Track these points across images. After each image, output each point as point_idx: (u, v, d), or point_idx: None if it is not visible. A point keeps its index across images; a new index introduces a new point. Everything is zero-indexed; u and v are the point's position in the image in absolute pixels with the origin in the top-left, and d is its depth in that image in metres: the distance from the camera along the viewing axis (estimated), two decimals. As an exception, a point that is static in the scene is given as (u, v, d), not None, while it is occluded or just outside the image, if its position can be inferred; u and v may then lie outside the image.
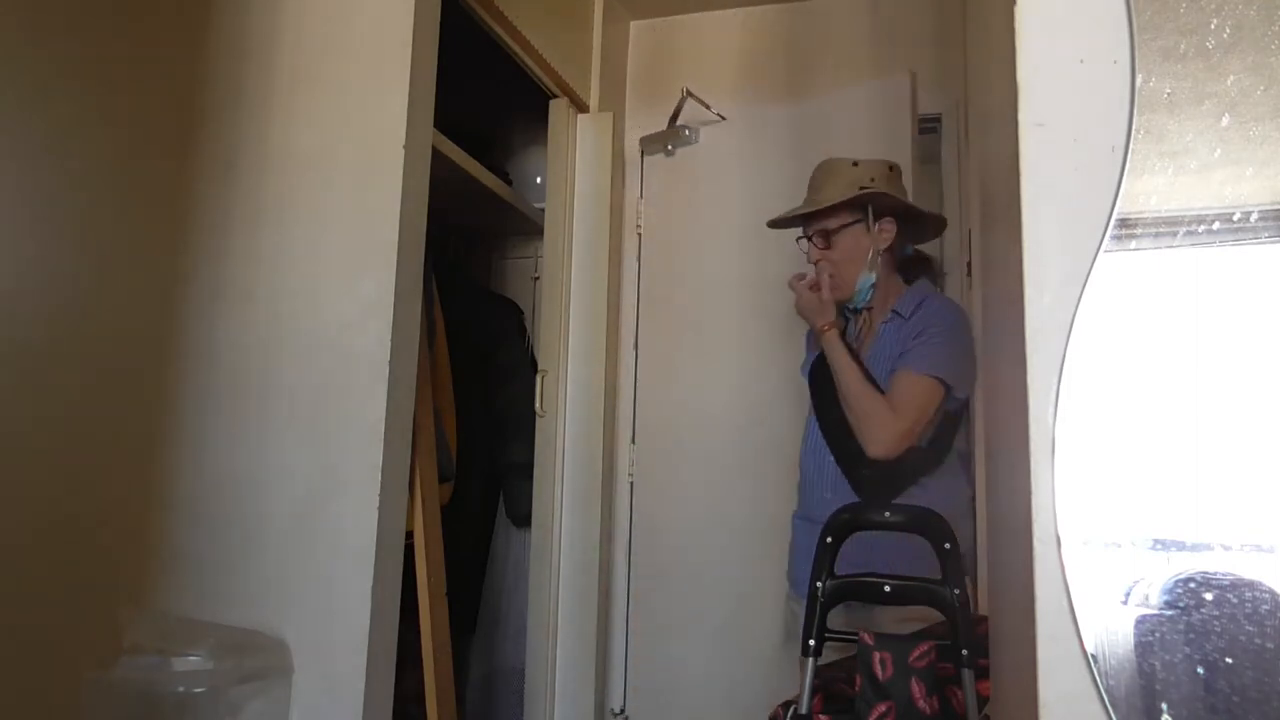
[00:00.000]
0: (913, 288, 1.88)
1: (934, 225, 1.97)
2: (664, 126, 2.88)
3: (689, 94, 2.74)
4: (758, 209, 2.80)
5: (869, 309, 1.90)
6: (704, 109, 2.80)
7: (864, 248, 1.83)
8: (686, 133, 2.85)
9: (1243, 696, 0.79)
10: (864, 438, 1.74)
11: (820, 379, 1.87)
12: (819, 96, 2.81)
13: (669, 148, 2.89)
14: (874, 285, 1.84)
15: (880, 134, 2.82)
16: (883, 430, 1.72)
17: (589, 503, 2.50)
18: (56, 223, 1.90)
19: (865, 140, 2.82)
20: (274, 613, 1.62)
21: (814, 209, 1.84)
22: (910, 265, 1.94)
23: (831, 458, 1.85)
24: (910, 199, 1.92)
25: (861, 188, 1.81)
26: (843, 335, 1.86)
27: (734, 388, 2.66)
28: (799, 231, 2.01)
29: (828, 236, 1.84)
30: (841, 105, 2.71)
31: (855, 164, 1.86)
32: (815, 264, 1.87)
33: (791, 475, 2.68)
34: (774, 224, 1.99)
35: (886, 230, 1.84)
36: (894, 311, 1.84)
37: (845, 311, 1.93)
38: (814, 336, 1.94)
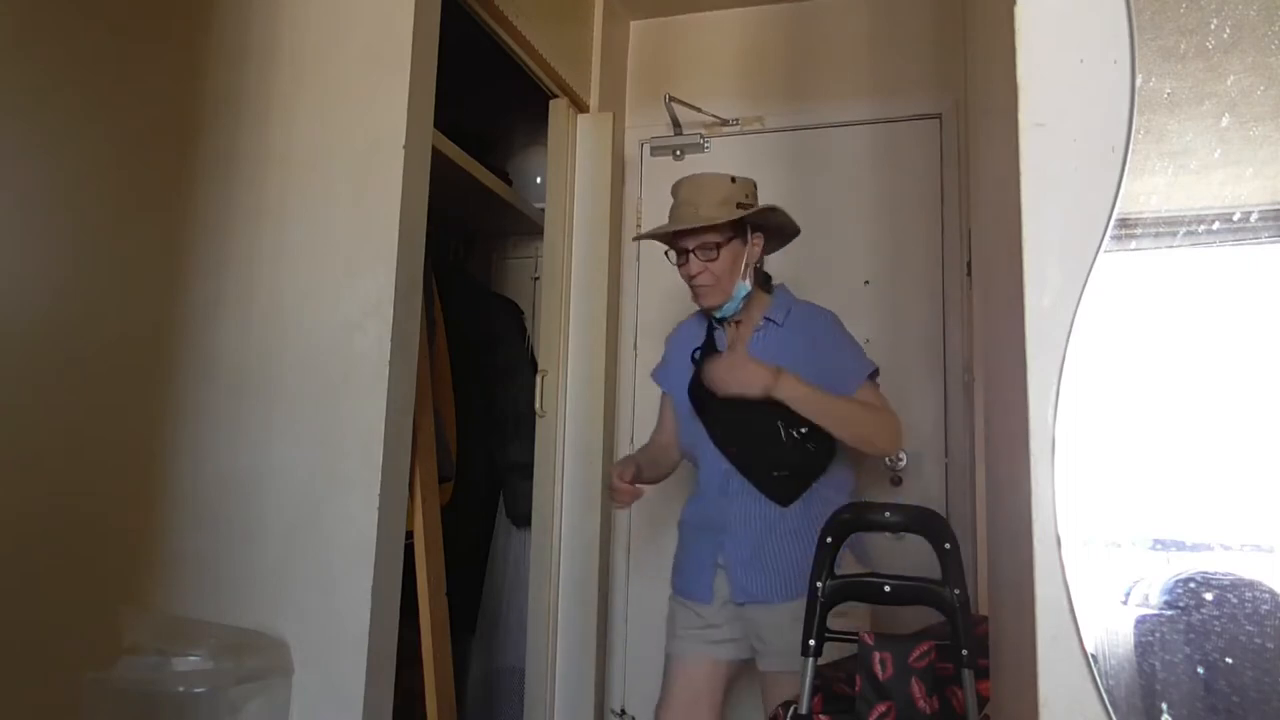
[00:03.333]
0: (776, 296, 1.98)
1: (788, 238, 2.04)
2: (663, 127, 2.88)
3: (672, 99, 2.75)
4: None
5: (737, 320, 1.96)
6: (695, 111, 2.80)
7: (739, 260, 1.89)
8: (701, 137, 2.86)
9: (1243, 696, 0.79)
10: (877, 443, 1.84)
11: (702, 393, 1.90)
12: (824, 104, 2.81)
13: (678, 152, 2.90)
14: (746, 295, 1.92)
15: (917, 161, 2.82)
16: (893, 430, 1.82)
17: (589, 503, 2.50)
18: (56, 224, 1.90)
19: (898, 167, 2.82)
20: (274, 613, 1.62)
21: (709, 224, 1.85)
22: (760, 276, 2.02)
23: (725, 465, 1.89)
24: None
25: (739, 204, 1.87)
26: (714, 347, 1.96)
27: (734, 388, 2.66)
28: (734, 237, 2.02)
29: (717, 250, 1.87)
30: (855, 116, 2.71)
31: (734, 180, 1.91)
32: (695, 276, 1.88)
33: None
34: (648, 236, 2.01)
35: (757, 243, 1.92)
36: (767, 319, 1.93)
37: (713, 320, 1.99)
38: (677, 344, 2.07)
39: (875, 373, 1.89)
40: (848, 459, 1.94)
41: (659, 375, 2.11)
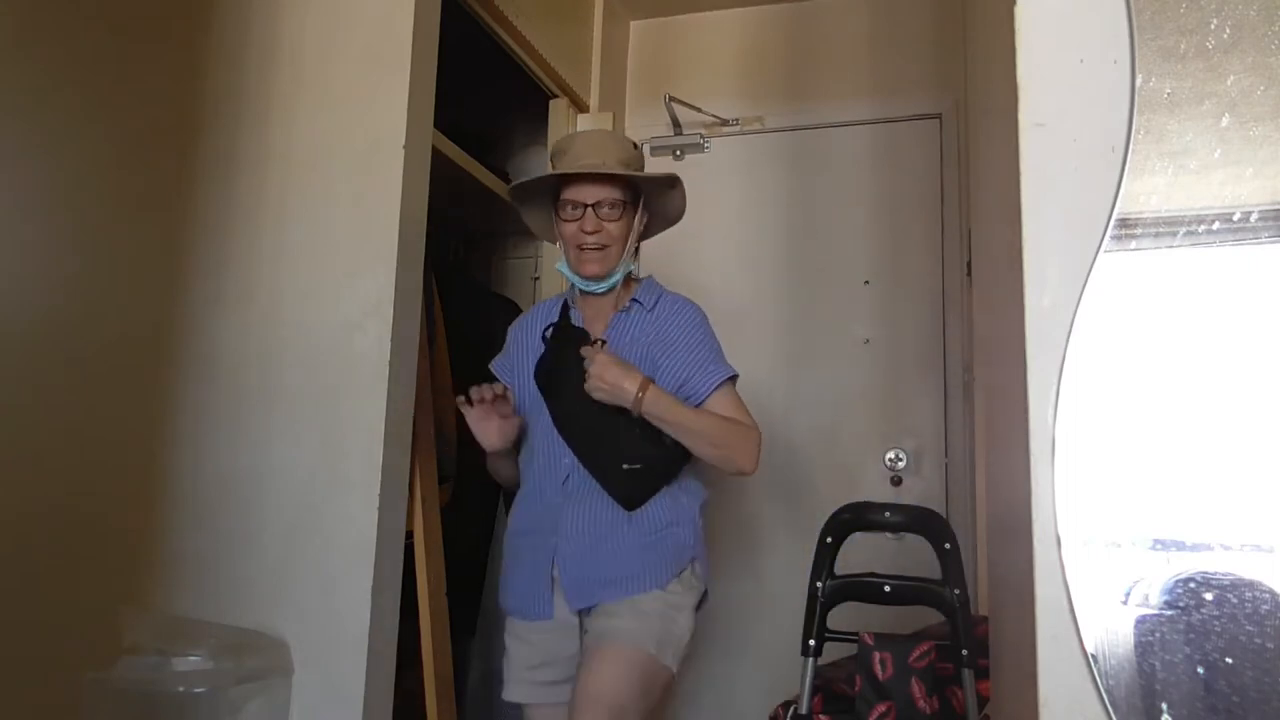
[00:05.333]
0: (646, 281, 1.77)
1: (668, 223, 1.84)
2: (663, 127, 2.88)
3: (672, 99, 2.75)
4: (759, 214, 2.81)
5: (604, 293, 1.72)
6: (695, 111, 2.80)
7: (630, 233, 1.69)
8: (700, 137, 2.86)
9: (1243, 696, 0.79)
10: (737, 462, 1.63)
11: (556, 383, 1.67)
12: (824, 104, 2.81)
13: (677, 152, 2.90)
14: (627, 274, 1.72)
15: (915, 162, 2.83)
16: (751, 446, 1.63)
17: (589, 503, 2.49)
18: (57, 225, 1.90)
19: (898, 169, 2.82)
20: (274, 613, 1.62)
21: (626, 172, 1.65)
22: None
23: (568, 460, 1.66)
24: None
25: (639, 164, 1.72)
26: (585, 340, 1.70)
27: (734, 388, 2.66)
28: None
29: (621, 210, 1.65)
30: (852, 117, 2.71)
31: (636, 146, 1.76)
32: (590, 234, 1.64)
33: (784, 475, 2.69)
34: (548, 179, 1.70)
35: (642, 220, 1.73)
36: (635, 300, 1.72)
37: (569, 299, 1.77)
38: (523, 329, 1.82)
39: (734, 378, 1.70)
40: (700, 467, 1.74)
41: (498, 366, 1.82)
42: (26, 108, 1.92)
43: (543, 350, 1.73)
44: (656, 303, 1.73)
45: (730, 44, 2.91)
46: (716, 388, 1.66)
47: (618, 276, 1.69)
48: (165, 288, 1.79)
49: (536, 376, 1.70)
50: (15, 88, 1.93)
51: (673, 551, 1.63)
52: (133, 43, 1.90)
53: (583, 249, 1.65)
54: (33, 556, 1.78)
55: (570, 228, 1.66)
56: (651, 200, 1.74)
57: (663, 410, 1.57)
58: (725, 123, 2.86)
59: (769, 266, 2.77)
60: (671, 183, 1.72)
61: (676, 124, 2.86)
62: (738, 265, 2.78)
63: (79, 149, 1.90)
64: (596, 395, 1.57)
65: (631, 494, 1.63)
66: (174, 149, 1.83)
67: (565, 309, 1.76)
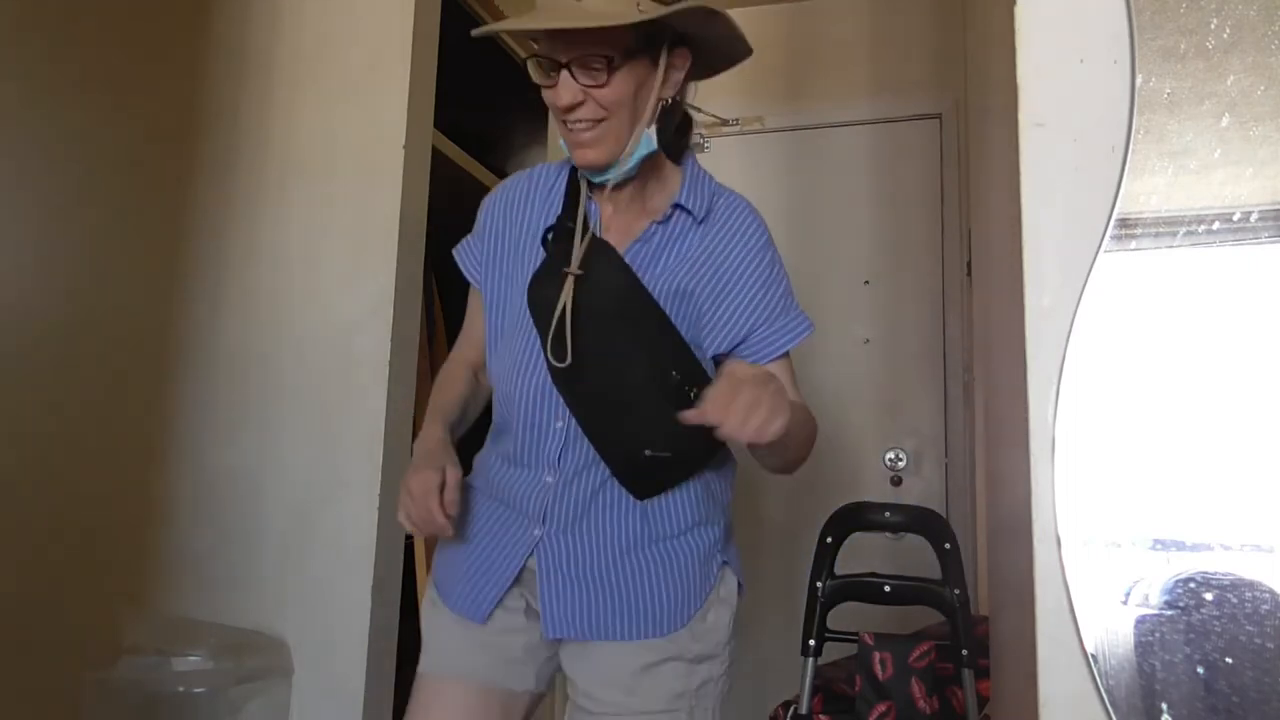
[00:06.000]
0: (690, 171, 1.22)
1: (730, 61, 1.22)
2: (664, 126, 2.88)
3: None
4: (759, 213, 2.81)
5: (621, 186, 1.15)
6: (695, 111, 2.80)
7: (646, 91, 1.10)
8: (701, 137, 2.86)
9: (1243, 696, 0.79)
10: (797, 461, 1.20)
11: (549, 297, 1.13)
12: (824, 104, 2.81)
13: (678, 152, 2.90)
14: (649, 155, 1.14)
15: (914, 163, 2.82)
16: (810, 441, 1.21)
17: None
18: (57, 225, 1.90)
19: (895, 167, 2.82)
20: (274, 613, 1.62)
21: (597, 24, 1.03)
22: (671, 125, 1.19)
23: (560, 424, 1.15)
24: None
25: None
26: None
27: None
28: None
29: (608, 67, 1.06)
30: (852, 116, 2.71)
31: None
32: (569, 110, 1.08)
33: (785, 478, 2.67)
34: (494, 31, 1.11)
35: (680, 64, 1.14)
36: (678, 206, 1.17)
37: (589, 181, 1.17)
38: (509, 204, 1.27)
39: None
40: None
41: (466, 255, 1.29)
42: (27, 111, 1.92)
43: (541, 259, 1.18)
44: (709, 210, 1.18)
45: (730, 44, 2.91)
46: (787, 350, 1.20)
47: (633, 162, 1.12)
48: (165, 288, 1.79)
49: (532, 302, 1.16)
50: (15, 90, 1.93)
51: (700, 566, 1.16)
52: (135, 45, 1.90)
53: (570, 129, 1.11)
54: (33, 556, 1.78)
55: (547, 97, 1.11)
56: (685, 25, 1.11)
57: (790, 427, 0.99)
58: (725, 123, 2.86)
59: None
60: (703, 17, 1.10)
61: (676, 124, 2.86)
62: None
63: (79, 150, 1.90)
64: (770, 436, 0.94)
65: (647, 486, 1.16)
66: (174, 150, 1.83)
67: (574, 194, 1.20)
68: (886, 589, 1.60)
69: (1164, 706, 0.80)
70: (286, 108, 1.77)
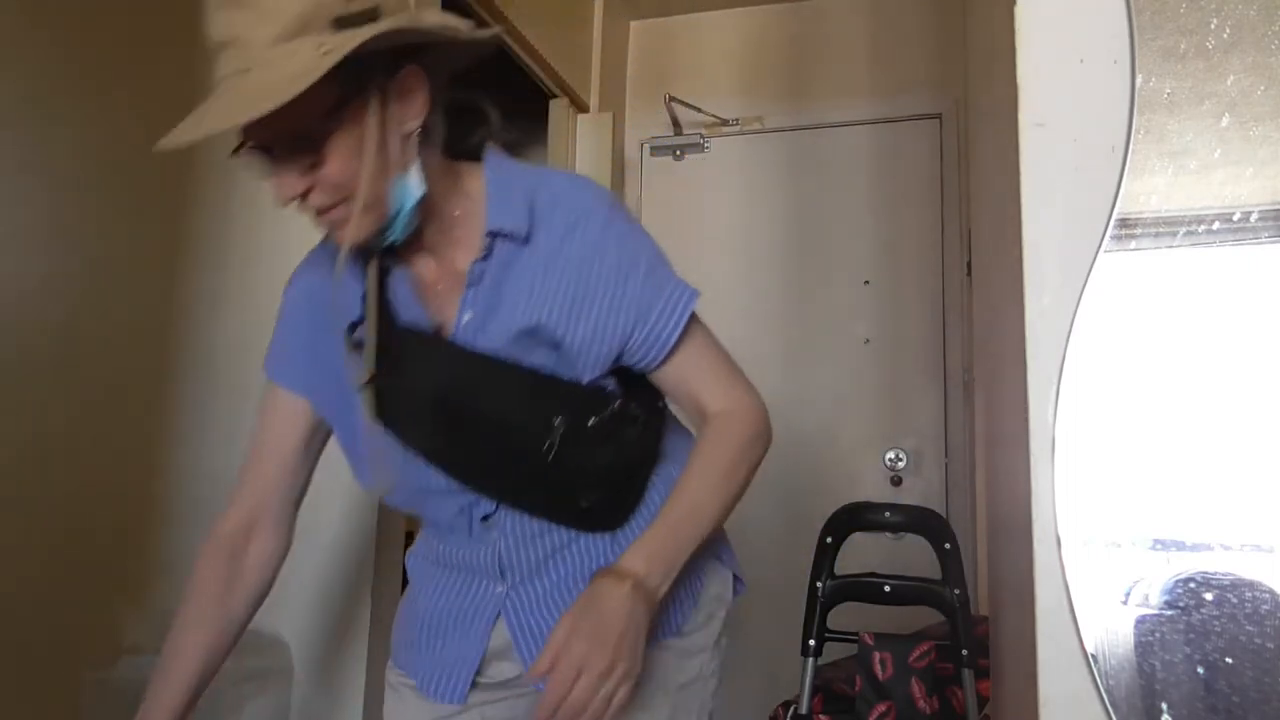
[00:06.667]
0: (494, 178, 0.99)
1: (474, 47, 0.96)
2: (663, 127, 2.88)
3: (672, 99, 2.75)
4: (759, 214, 2.81)
5: (415, 236, 0.95)
6: (695, 111, 2.81)
7: (382, 133, 0.88)
8: (700, 137, 2.86)
9: (1243, 696, 0.79)
10: (758, 463, 1.05)
11: (409, 410, 0.98)
12: (824, 104, 2.81)
13: (678, 153, 2.90)
14: (419, 201, 0.92)
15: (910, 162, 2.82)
16: (762, 434, 1.03)
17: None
18: (55, 224, 1.90)
19: (893, 168, 2.82)
20: (274, 613, 1.61)
21: (272, 106, 0.79)
22: (458, 123, 1.00)
23: (461, 497, 1.00)
24: None
25: (336, 20, 0.82)
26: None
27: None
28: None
29: (317, 146, 0.87)
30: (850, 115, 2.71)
31: None
32: (294, 203, 0.92)
33: (784, 475, 2.68)
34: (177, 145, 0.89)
35: (413, 89, 0.90)
36: (495, 234, 0.95)
37: (365, 252, 0.97)
38: (302, 305, 1.09)
39: (693, 311, 1.00)
40: (688, 419, 1.08)
41: (279, 366, 1.07)
42: (24, 110, 1.92)
43: (353, 353, 0.99)
44: (533, 220, 0.96)
45: (730, 44, 2.91)
46: (680, 338, 0.98)
47: (403, 220, 0.91)
48: (165, 288, 1.79)
49: (380, 398, 0.98)
50: (14, 86, 1.93)
51: (686, 569, 0.99)
52: (134, 44, 1.90)
53: (316, 219, 0.93)
54: (33, 556, 1.78)
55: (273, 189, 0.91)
56: (409, 54, 0.89)
57: (674, 558, 0.94)
58: (725, 123, 2.86)
59: (769, 266, 2.77)
60: (405, 34, 0.86)
61: (676, 124, 2.86)
62: (738, 265, 2.78)
63: (79, 149, 1.90)
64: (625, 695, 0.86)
65: (601, 523, 1.02)
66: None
67: (381, 273, 0.99)
68: (886, 589, 1.60)
69: (1164, 706, 0.80)
70: (286, 108, 1.77)
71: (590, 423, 0.96)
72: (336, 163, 0.87)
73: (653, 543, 0.93)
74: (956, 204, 2.62)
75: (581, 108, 2.67)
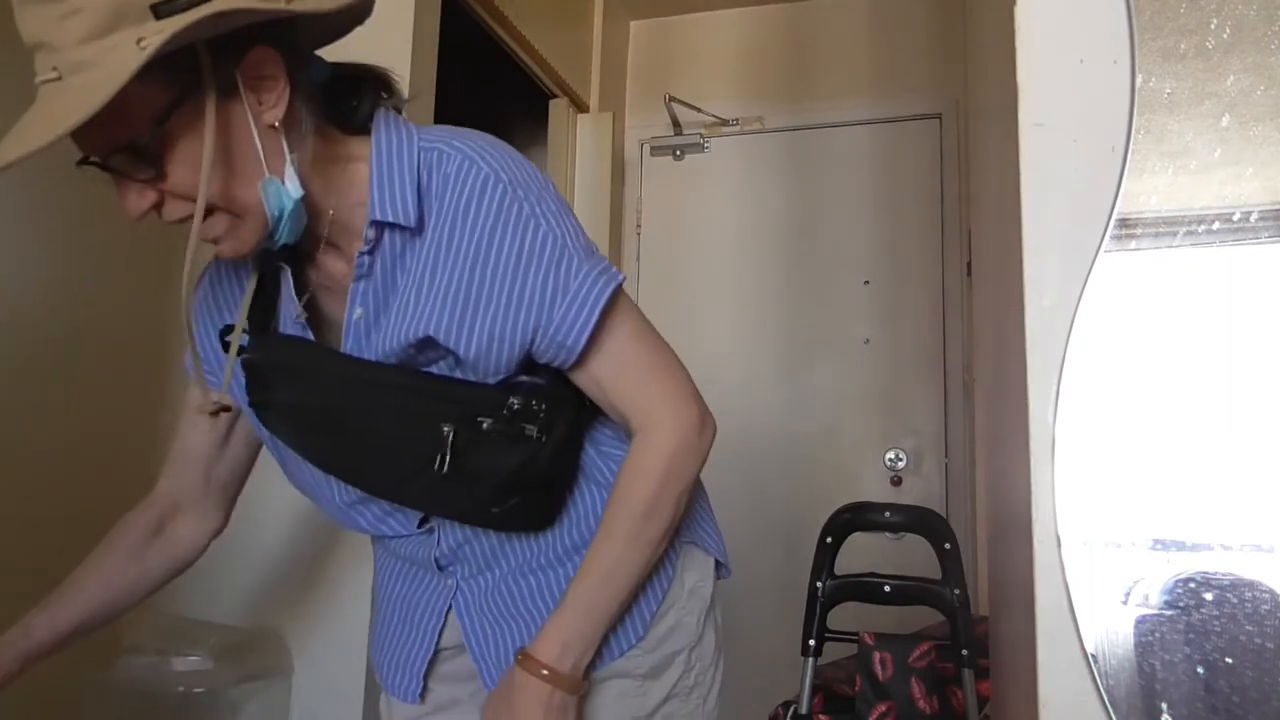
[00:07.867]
0: (377, 155, 0.85)
1: (350, 19, 0.91)
2: (663, 127, 2.89)
3: (672, 99, 2.75)
4: (759, 214, 2.81)
5: (300, 242, 0.85)
6: (695, 111, 2.81)
7: (239, 136, 0.77)
8: (700, 137, 2.86)
9: (1243, 696, 0.79)
10: (687, 485, 0.93)
11: (306, 423, 0.91)
12: (824, 104, 2.81)
13: (678, 153, 2.91)
14: (298, 200, 0.80)
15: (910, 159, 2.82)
16: (683, 457, 0.91)
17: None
18: (54, 223, 1.90)
19: (894, 164, 2.82)
20: (274, 613, 1.62)
21: (77, 121, 0.71)
22: (338, 94, 0.89)
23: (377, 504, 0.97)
24: None
25: (154, 5, 0.69)
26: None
27: (731, 389, 2.66)
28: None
29: (154, 155, 0.75)
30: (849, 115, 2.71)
31: None
32: (145, 218, 0.80)
33: (784, 475, 2.69)
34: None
35: (268, 76, 0.78)
36: (378, 224, 0.84)
37: (253, 265, 0.91)
38: (208, 308, 0.99)
39: (619, 288, 0.89)
40: (613, 428, 1.00)
41: (190, 361, 0.92)
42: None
43: (239, 363, 0.90)
44: (421, 210, 0.84)
45: (730, 44, 2.91)
46: (594, 328, 0.86)
47: (285, 223, 0.80)
48: (165, 286, 1.79)
49: (261, 414, 0.93)
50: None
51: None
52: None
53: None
54: (33, 557, 1.78)
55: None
56: (253, 39, 0.76)
57: (593, 631, 0.89)
58: (725, 123, 2.86)
59: (769, 266, 2.77)
60: (229, 18, 0.72)
61: (676, 124, 2.86)
62: (738, 265, 2.78)
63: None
64: None
65: (525, 527, 0.95)
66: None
67: (262, 279, 0.92)
68: (886, 589, 1.60)
69: (1164, 706, 0.80)
70: (286, 108, 1.77)
71: (484, 426, 0.86)
72: (180, 172, 0.75)
73: (569, 621, 0.87)
74: (956, 204, 2.62)
75: (581, 108, 2.67)
